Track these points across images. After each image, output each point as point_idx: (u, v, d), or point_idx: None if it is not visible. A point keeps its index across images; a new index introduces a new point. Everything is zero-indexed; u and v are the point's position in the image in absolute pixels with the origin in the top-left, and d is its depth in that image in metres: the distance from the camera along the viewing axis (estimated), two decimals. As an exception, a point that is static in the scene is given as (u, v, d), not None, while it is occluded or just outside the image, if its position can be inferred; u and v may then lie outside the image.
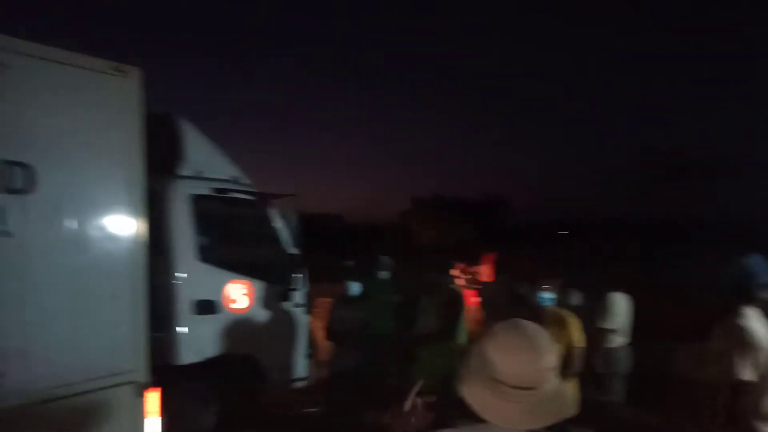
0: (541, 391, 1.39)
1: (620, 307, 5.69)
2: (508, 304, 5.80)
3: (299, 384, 5.51)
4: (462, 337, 4.79)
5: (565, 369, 3.81)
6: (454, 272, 7.22)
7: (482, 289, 7.54)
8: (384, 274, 7.04)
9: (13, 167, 3.21)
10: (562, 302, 4.69)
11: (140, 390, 3.78)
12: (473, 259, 10.15)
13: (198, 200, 4.81)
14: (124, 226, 3.79)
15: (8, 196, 3.18)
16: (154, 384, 3.88)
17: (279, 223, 5.43)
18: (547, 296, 4.04)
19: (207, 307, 4.61)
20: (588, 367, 4.38)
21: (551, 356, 1.43)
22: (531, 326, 1.48)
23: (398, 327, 5.30)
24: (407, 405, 2.14)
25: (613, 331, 5.58)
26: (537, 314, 3.95)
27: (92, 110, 3.66)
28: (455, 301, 4.78)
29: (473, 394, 1.45)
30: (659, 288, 9.87)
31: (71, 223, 3.48)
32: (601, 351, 5.49)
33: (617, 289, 5.81)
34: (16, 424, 3.12)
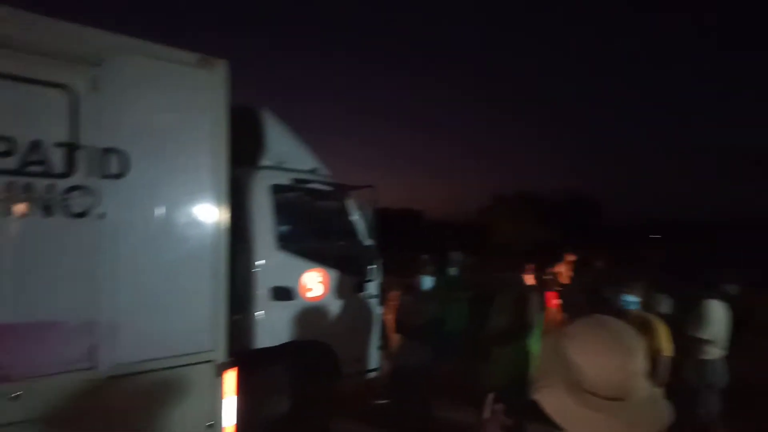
0: (633, 399, 1.22)
1: (717, 315, 5.20)
2: (589, 307, 5.51)
3: (371, 375, 5.52)
4: (537, 338, 4.57)
5: (650, 378, 3.52)
6: (528, 272, 6.96)
7: (563, 290, 7.20)
8: (454, 270, 6.96)
9: (108, 154, 3.42)
10: (648, 307, 4.35)
11: (219, 369, 3.93)
12: (555, 259, 9.75)
13: (279, 190, 4.93)
14: (208, 212, 3.94)
15: (104, 181, 3.39)
16: (232, 364, 4.02)
17: (356, 215, 5.46)
18: (631, 299, 3.75)
19: (284, 293, 4.71)
20: (676, 379, 4.03)
21: (641, 358, 1.26)
22: (616, 323, 1.31)
23: (470, 324, 5.18)
24: (486, 413, 2.02)
25: (708, 341, 5.11)
26: (620, 318, 3.68)
27: (181, 101, 3.83)
28: (528, 300, 4.57)
29: (552, 401, 1.28)
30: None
31: (160, 208, 3.66)
32: (693, 362, 5.05)
33: (714, 296, 5.32)
34: (105, 394, 3.33)
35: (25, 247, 3.08)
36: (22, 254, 3.06)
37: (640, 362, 1.24)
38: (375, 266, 5.45)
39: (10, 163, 3.05)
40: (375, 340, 5.50)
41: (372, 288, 5.46)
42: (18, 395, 2.99)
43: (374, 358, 5.52)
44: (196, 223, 3.87)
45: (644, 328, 3.72)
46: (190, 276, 3.81)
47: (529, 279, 6.42)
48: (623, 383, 1.21)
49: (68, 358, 3.20)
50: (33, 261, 3.10)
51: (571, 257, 10.57)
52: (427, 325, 5.24)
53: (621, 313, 3.79)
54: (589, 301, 5.65)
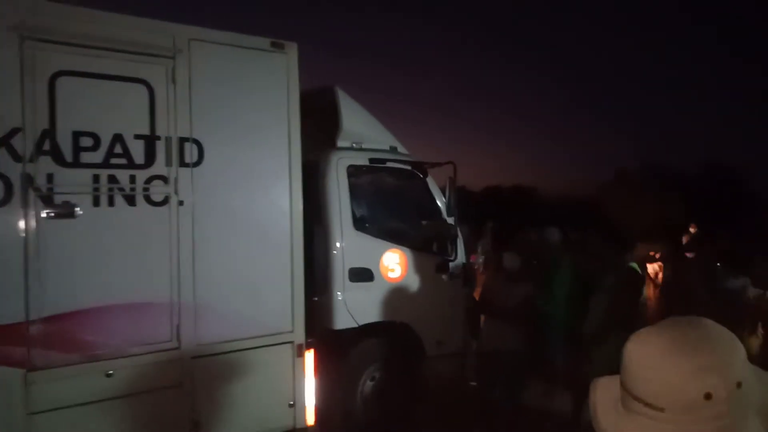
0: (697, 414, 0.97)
1: None
2: (700, 291, 4.92)
3: (457, 357, 5.37)
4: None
5: None
6: (640, 252, 6.37)
7: (669, 272, 6.50)
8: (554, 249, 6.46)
9: (185, 143, 3.54)
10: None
11: (298, 350, 4.00)
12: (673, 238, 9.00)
13: (356, 170, 4.88)
14: (283, 196, 3.99)
15: (181, 169, 3.52)
16: (311, 345, 4.07)
17: (437, 193, 5.28)
18: (740, 283, 3.27)
19: (363, 274, 4.69)
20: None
21: (717, 374, 0.99)
22: (698, 328, 1.05)
23: (568, 308, 4.83)
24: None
25: None
26: (733, 304, 3.23)
27: (253, 86, 3.87)
28: (634, 283, 4.13)
29: (601, 400, 1.13)
30: None
31: (236, 193, 3.76)
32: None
33: None
34: (189, 372, 3.50)
35: (111, 234, 3.28)
36: (109, 242, 3.27)
37: (713, 379, 0.97)
38: (458, 245, 5.26)
39: (96, 156, 3.24)
40: (459, 322, 5.34)
41: (455, 268, 5.28)
42: (111, 373, 3.23)
43: (461, 340, 5.36)
44: (271, 207, 3.94)
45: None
46: (268, 258, 3.89)
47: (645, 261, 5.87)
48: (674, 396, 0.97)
49: (154, 337, 3.40)
50: (118, 247, 3.30)
51: (687, 235, 9.62)
52: (518, 307, 4.97)
53: (734, 302, 3.31)
54: (700, 284, 5.04)
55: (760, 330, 3.26)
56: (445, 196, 5.17)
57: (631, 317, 4.17)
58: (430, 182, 5.28)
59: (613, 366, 3.51)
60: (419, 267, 5.04)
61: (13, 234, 2.97)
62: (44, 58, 3.03)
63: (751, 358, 1.06)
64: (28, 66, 2.99)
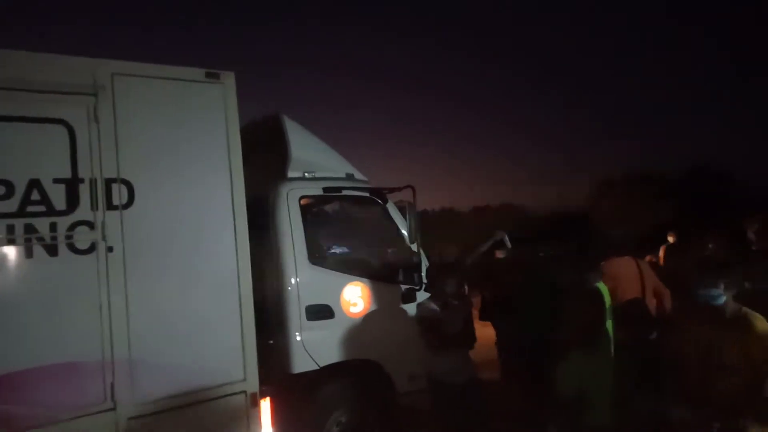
0: None
1: None
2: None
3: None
4: (606, 342, 4.03)
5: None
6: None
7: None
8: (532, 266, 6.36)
9: (112, 184, 3.36)
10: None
11: (252, 400, 3.77)
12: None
13: (309, 201, 4.73)
14: (226, 235, 3.81)
15: (109, 213, 3.33)
16: (266, 393, 3.85)
17: (398, 219, 5.14)
18: (716, 293, 3.16)
19: (322, 311, 4.49)
20: None
21: None
22: None
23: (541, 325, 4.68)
24: None
25: None
26: (711, 313, 3.14)
27: (188, 120, 3.74)
28: (596, 300, 4.02)
29: None
30: None
31: (172, 235, 3.57)
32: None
33: None
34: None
35: (31, 288, 3.06)
36: (28, 296, 3.05)
37: None
38: (423, 272, 5.09)
39: (9, 205, 3.04)
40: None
41: (423, 297, 5.09)
42: (37, 442, 2.96)
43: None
44: (214, 247, 3.76)
45: (743, 328, 3.11)
46: (212, 303, 3.69)
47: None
48: None
49: (86, 400, 3.16)
50: (40, 303, 3.09)
51: (671, 239, 9.58)
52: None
53: (710, 310, 3.20)
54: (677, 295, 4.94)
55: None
56: (406, 222, 5.03)
57: (594, 333, 4.05)
58: (391, 208, 5.15)
59: (574, 384, 3.29)
60: (384, 299, 4.86)
61: None
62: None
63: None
64: None
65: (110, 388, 3.22)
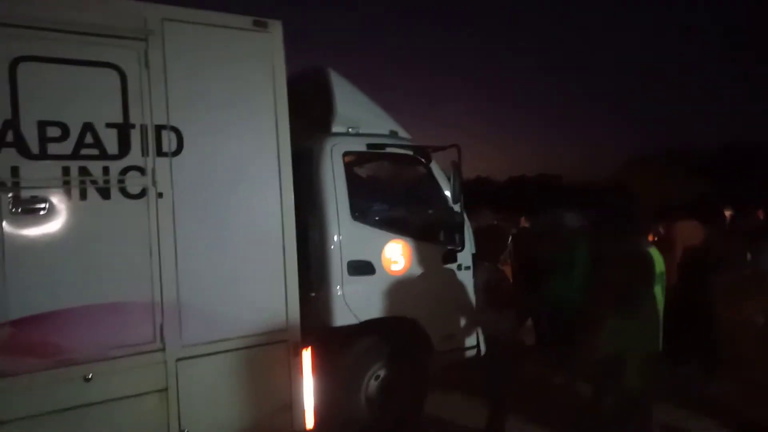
0: None
1: None
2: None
3: (470, 353, 5.18)
4: (652, 310, 3.94)
5: None
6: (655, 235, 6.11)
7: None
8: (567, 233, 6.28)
9: (162, 131, 3.41)
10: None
11: (294, 349, 3.86)
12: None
13: (353, 157, 4.71)
14: (272, 186, 3.85)
15: (159, 159, 3.39)
16: (307, 344, 3.93)
17: (441, 179, 5.08)
18: None
19: (364, 267, 4.52)
20: None
21: None
22: None
23: (579, 292, 4.62)
24: None
25: None
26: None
27: (235, 68, 3.74)
28: (645, 267, 3.91)
29: None
30: None
31: (219, 184, 3.62)
32: None
33: None
34: (175, 374, 3.38)
35: (85, 230, 3.16)
36: (82, 238, 3.16)
37: None
38: (465, 234, 5.05)
39: (65, 147, 3.12)
40: (471, 315, 5.14)
41: (464, 258, 5.07)
42: (90, 377, 3.11)
43: (472, 334, 5.16)
44: (259, 198, 3.80)
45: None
46: (257, 253, 3.76)
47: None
48: None
49: (136, 339, 3.28)
50: (93, 244, 3.19)
51: (728, 213, 9.27)
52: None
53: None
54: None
55: None
56: (450, 182, 4.97)
57: (641, 299, 3.97)
58: (434, 168, 5.08)
59: (615, 348, 3.26)
60: (424, 258, 4.85)
61: (-23, 232, 2.86)
62: (1, 42, 2.91)
63: None
64: (-17, 51, 2.87)
65: (159, 329, 3.34)
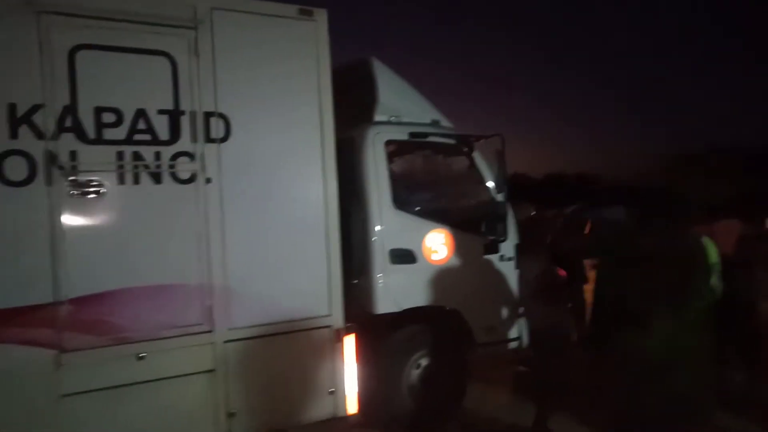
0: None
1: None
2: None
3: (512, 345, 5.15)
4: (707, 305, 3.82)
5: None
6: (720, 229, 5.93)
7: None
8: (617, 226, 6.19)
9: (210, 118, 3.50)
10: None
11: (337, 335, 3.91)
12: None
13: (395, 146, 4.74)
14: (315, 173, 3.90)
15: (207, 145, 3.48)
16: (351, 330, 3.98)
17: (484, 168, 5.06)
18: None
19: (405, 256, 4.55)
20: None
21: None
22: None
23: (625, 289, 4.53)
24: None
25: None
26: None
27: (281, 57, 3.81)
28: (694, 257, 3.79)
29: None
30: None
31: (265, 170, 3.70)
32: None
33: None
34: (222, 357, 3.48)
35: (138, 213, 3.28)
36: (135, 220, 3.28)
37: None
38: (509, 224, 5.02)
39: (119, 133, 3.24)
40: (513, 306, 5.11)
41: (506, 248, 5.04)
42: (143, 356, 3.23)
43: (515, 326, 5.13)
44: (303, 185, 3.87)
45: None
46: (301, 239, 3.82)
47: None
48: None
49: (185, 320, 3.39)
50: (146, 227, 3.31)
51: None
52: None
53: None
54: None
55: None
56: (493, 172, 4.95)
57: (691, 292, 3.85)
58: (477, 157, 5.06)
59: (671, 343, 3.18)
60: (466, 248, 4.84)
61: (39, 213, 3.02)
62: (61, 32, 3.06)
63: None
64: (45, 41, 3.01)
65: (208, 312, 3.44)
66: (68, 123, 3.09)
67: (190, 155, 3.44)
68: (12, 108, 2.95)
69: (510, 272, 5.08)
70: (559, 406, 4.60)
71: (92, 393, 3.10)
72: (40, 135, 3.01)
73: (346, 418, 3.95)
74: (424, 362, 4.68)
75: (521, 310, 5.19)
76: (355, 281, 4.39)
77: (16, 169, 2.95)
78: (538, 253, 4.71)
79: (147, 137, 3.32)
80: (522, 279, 5.19)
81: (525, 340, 5.19)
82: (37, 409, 2.99)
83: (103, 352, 3.13)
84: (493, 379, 5.37)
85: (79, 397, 3.06)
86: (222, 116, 3.54)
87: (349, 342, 3.97)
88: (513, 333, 5.12)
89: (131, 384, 3.20)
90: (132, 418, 3.21)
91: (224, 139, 3.55)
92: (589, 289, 5.85)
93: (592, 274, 5.87)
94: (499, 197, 4.97)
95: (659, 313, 3.75)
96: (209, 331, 3.44)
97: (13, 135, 2.95)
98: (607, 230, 5.76)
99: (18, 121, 2.96)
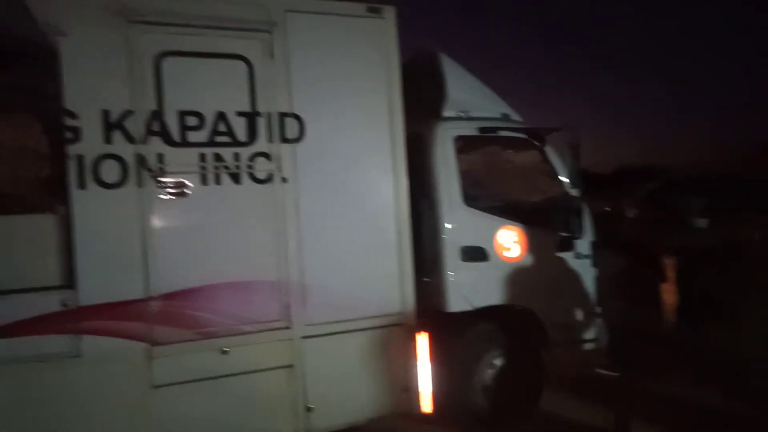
0: None
1: None
2: None
3: (589, 345, 5.03)
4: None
5: None
6: None
7: None
8: (702, 222, 5.97)
9: (285, 119, 3.63)
10: None
11: (410, 333, 3.96)
12: None
13: (465, 142, 4.73)
14: (386, 171, 3.98)
15: (283, 146, 3.61)
16: (424, 328, 4.01)
17: (557, 163, 4.97)
18: None
19: (476, 253, 4.54)
20: None
21: None
22: None
23: (715, 284, 4.35)
24: None
25: None
26: None
27: (351, 55, 3.91)
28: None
29: None
30: None
31: (337, 169, 3.81)
32: None
33: None
34: (300, 353, 3.60)
35: (220, 212, 3.45)
36: (218, 220, 3.45)
37: None
38: (585, 221, 4.91)
39: (201, 135, 3.42)
40: (590, 306, 4.99)
41: (582, 246, 4.93)
42: (227, 350, 3.39)
43: (590, 326, 5.01)
44: (374, 182, 3.95)
45: None
46: (372, 236, 3.90)
47: None
48: None
49: (266, 316, 3.53)
50: (227, 226, 3.47)
51: None
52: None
53: None
54: None
55: None
56: (566, 166, 4.86)
57: None
58: (549, 151, 4.98)
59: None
60: (539, 245, 4.77)
61: (131, 213, 3.23)
62: (149, 39, 3.26)
63: None
64: (134, 48, 3.22)
65: (286, 308, 3.57)
66: (155, 127, 3.29)
67: (267, 155, 3.58)
68: (106, 114, 3.18)
69: (586, 270, 4.97)
70: (642, 412, 4.46)
71: (181, 385, 3.28)
72: (131, 139, 3.23)
73: (421, 416, 3.98)
74: (497, 362, 4.65)
75: (599, 309, 5.07)
76: (427, 279, 4.41)
77: (110, 171, 3.18)
78: (617, 250, 4.57)
79: (227, 139, 3.48)
80: (600, 277, 5.07)
81: (603, 341, 5.06)
82: (131, 399, 3.20)
83: (190, 346, 3.31)
84: (571, 381, 5.25)
85: (169, 388, 3.25)
86: (296, 116, 3.67)
87: (422, 340, 4.00)
88: (590, 333, 5.00)
89: (216, 377, 3.36)
90: (217, 411, 3.37)
91: (298, 139, 3.67)
92: (667, 288, 5.65)
93: (672, 273, 5.67)
94: (574, 192, 4.88)
95: (754, 308, 3.60)
96: (287, 327, 3.57)
97: (108, 140, 3.17)
98: (690, 223, 5.51)
99: (111, 126, 3.19)
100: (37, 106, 3.18)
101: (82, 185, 3.13)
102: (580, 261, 4.95)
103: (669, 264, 5.61)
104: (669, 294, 5.61)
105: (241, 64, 3.55)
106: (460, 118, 4.75)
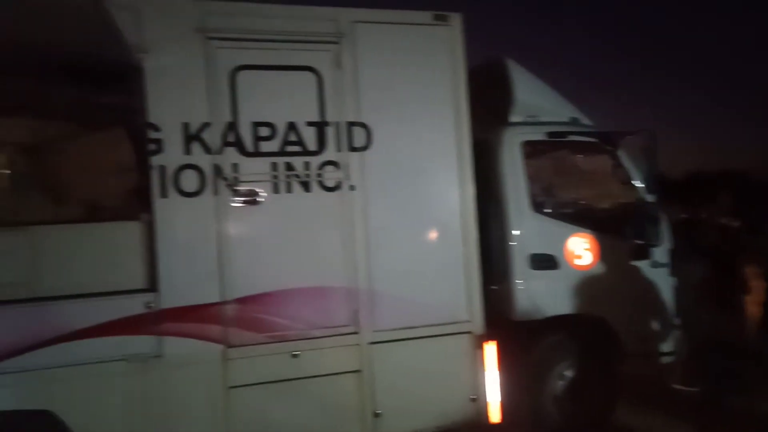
0: None
1: None
2: None
3: (666, 359, 4.83)
4: None
5: None
6: None
7: None
8: None
9: (353, 127, 3.72)
10: None
11: (477, 341, 3.95)
12: None
13: (532, 147, 4.67)
14: (452, 178, 3.99)
15: (351, 154, 3.70)
16: (492, 337, 3.99)
17: (631, 168, 4.82)
18: None
19: (545, 261, 4.46)
20: None
21: None
22: None
23: None
24: None
25: None
26: None
27: (417, 63, 3.96)
28: None
29: None
30: None
31: (404, 176, 3.87)
32: None
33: None
34: (367, 358, 3.66)
35: (291, 220, 3.58)
36: (290, 227, 3.58)
37: None
38: (662, 228, 4.73)
39: (273, 145, 3.56)
40: (667, 317, 4.79)
41: (659, 254, 4.75)
42: (297, 354, 3.51)
43: (668, 338, 4.81)
44: (441, 189, 3.98)
45: None
46: (439, 244, 3.93)
47: None
48: None
49: (335, 321, 3.63)
50: (298, 233, 3.60)
51: None
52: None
53: None
54: None
55: None
56: (641, 171, 4.71)
57: None
58: (622, 155, 4.84)
59: None
60: (613, 253, 4.64)
61: (208, 221, 3.41)
62: (225, 54, 3.44)
63: None
64: (212, 63, 3.41)
65: (355, 314, 3.65)
66: (230, 138, 3.46)
67: (336, 164, 3.68)
68: (186, 127, 3.37)
69: (664, 280, 4.78)
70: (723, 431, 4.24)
71: (253, 386, 3.42)
72: (207, 150, 3.41)
73: (489, 427, 3.95)
74: (569, 373, 4.55)
75: (677, 321, 4.86)
76: (495, 287, 4.38)
77: (190, 181, 3.37)
78: (697, 259, 4.37)
79: (297, 148, 3.61)
80: (679, 287, 4.86)
81: (682, 354, 4.85)
82: (208, 398, 3.36)
83: (262, 349, 3.44)
84: (647, 395, 5.05)
85: (243, 389, 3.40)
86: (364, 125, 3.75)
87: (490, 349, 3.97)
88: (668, 346, 4.80)
89: (287, 380, 3.48)
90: (287, 413, 3.48)
91: (366, 148, 3.76)
92: (751, 300, 5.34)
93: (756, 284, 5.36)
94: (650, 198, 4.71)
95: None
96: (356, 333, 3.65)
97: (187, 151, 3.37)
98: None
99: (191, 138, 3.38)
100: (124, 121, 3.43)
101: (164, 194, 3.33)
102: (657, 270, 4.77)
103: (753, 274, 5.30)
104: (753, 306, 5.31)
105: (311, 75, 3.68)
106: (527, 123, 4.71)
